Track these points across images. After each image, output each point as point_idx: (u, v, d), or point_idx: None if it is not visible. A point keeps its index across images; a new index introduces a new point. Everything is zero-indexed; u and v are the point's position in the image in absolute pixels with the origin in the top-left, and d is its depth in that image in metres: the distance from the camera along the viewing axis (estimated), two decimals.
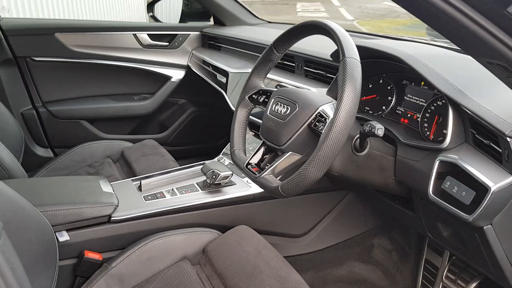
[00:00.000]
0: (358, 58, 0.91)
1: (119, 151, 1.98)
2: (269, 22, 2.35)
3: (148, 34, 2.17)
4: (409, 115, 1.19)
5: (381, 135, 0.95)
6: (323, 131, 0.94)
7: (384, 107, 1.25)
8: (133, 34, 2.14)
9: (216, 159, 1.74)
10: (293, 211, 1.60)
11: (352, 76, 0.89)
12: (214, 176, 1.45)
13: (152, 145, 2.01)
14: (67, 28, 2.02)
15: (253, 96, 1.20)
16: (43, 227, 1.17)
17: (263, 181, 1.04)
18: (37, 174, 1.85)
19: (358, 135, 1.05)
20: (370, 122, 0.97)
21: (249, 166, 1.12)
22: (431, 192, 0.98)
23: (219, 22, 2.26)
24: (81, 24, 2.12)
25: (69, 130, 2.11)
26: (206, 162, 1.65)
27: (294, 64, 1.63)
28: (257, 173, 1.07)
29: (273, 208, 1.54)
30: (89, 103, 2.14)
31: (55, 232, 1.24)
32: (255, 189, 1.47)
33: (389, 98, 1.24)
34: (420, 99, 1.16)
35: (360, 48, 0.97)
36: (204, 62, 2.09)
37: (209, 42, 2.23)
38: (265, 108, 1.13)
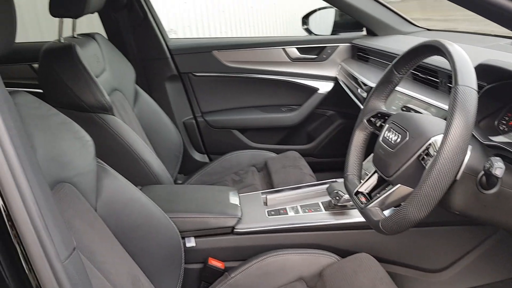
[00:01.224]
0: (475, 87, 0.78)
1: (263, 161, 2.08)
2: (428, 29, 2.16)
3: (296, 48, 2.22)
4: None
5: (499, 176, 0.80)
6: (427, 166, 0.84)
7: None
8: (282, 48, 2.21)
9: None
10: (429, 242, 1.44)
11: (464, 107, 0.77)
12: (337, 198, 1.41)
13: (294, 157, 2.04)
14: (223, 46, 2.20)
15: (372, 119, 1.13)
16: (171, 232, 1.31)
17: (367, 213, 0.98)
18: (192, 177, 2.06)
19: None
20: (492, 158, 0.82)
21: (359, 195, 1.06)
22: None
23: (370, 32, 2.17)
24: (235, 42, 2.28)
25: (222, 138, 2.29)
26: (338, 180, 1.62)
27: (438, 80, 1.47)
28: (363, 203, 1.01)
29: (403, 237, 1.42)
30: (241, 113, 2.29)
31: (183, 237, 1.37)
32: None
33: None
34: None
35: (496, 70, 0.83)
36: (349, 74, 2.03)
37: (358, 53, 2.16)
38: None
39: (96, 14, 2.02)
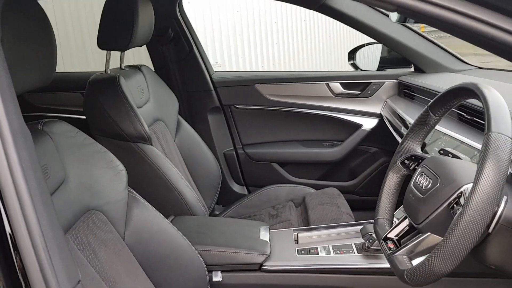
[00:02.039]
0: (510, 135, 0.73)
1: (301, 196, 2.05)
2: (480, 68, 2.07)
3: (340, 83, 2.19)
4: None
5: None
6: (455, 217, 0.78)
7: None
8: (325, 83, 2.19)
9: None
10: None
11: (496, 155, 0.72)
12: (371, 240, 1.35)
13: (332, 194, 2.00)
14: (266, 80, 2.21)
15: (406, 161, 1.08)
16: (197, 265, 1.30)
17: (394, 261, 0.92)
18: (229, 209, 2.07)
19: None
20: None
21: (387, 240, 1.01)
22: None
23: (418, 69, 2.12)
24: (277, 75, 2.29)
25: (261, 171, 2.29)
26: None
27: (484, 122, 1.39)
28: (390, 250, 0.96)
29: (435, 286, 1.32)
30: (281, 147, 2.28)
31: (210, 271, 1.36)
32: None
33: None
34: None
35: None
36: (393, 111, 1.98)
37: (404, 90, 2.10)
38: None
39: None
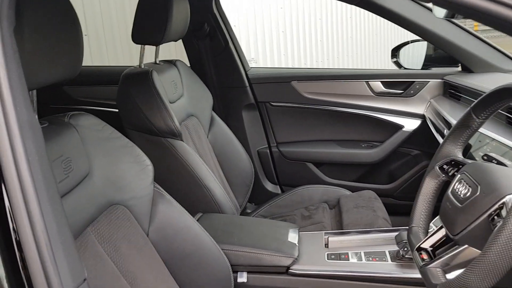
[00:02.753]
0: None
1: (336, 198, 1.98)
2: None
3: (381, 82, 2.10)
4: None
5: None
6: (494, 230, 0.71)
7: None
8: (365, 81, 2.11)
9: None
10: None
11: None
12: (406, 248, 1.28)
13: (369, 197, 1.92)
14: (303, 77, 2.15)
15: (444, 166, 1.01)
16: (222, 265, 1.27)
17: (426, 273, 0.86)
18: (262, 208, 2.03)
19: None
20: None
21: (421, 251, 0.94)
22: None
23: (466, 69, 1.99)
24: (315, 73, 2.22)
25: (295, 171, 2.23)
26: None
27: None
28: (424, 261, 0.89)
29: None
30: (317, 147, 2.21)
31: (235, 271, 1.32)
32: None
33: None
34: None
35: None
36: (437, 113, 1.87)
37: (450, 91, 1.99)
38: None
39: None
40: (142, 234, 1.14)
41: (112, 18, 3.40)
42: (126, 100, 1.54)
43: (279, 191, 2.27)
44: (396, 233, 1.43)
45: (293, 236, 1.42)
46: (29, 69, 0.78)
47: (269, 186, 2.26)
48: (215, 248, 1.26)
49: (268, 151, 2.25)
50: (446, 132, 1.67)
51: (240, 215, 2.00)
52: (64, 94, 2.26)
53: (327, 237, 1.44)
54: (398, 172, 2.21)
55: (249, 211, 2.10)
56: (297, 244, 1.38)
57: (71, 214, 0.94)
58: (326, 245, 1.42)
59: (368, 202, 1.88)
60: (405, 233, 1.32)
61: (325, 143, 2.22)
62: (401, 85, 2.11)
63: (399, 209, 2.15)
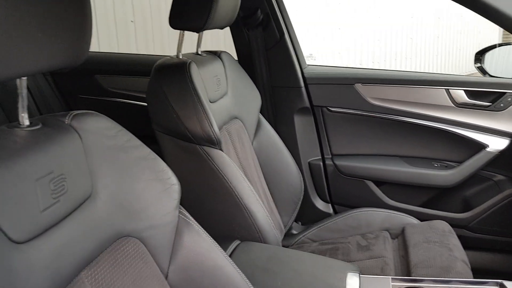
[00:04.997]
0: None
1: (400, 226, 1.67)
2: None
3: (465, 91, 1.75)
4: None
5: None
6: None
7: None
8: (445, 89, 1.76)
9: None
10: None
11: None
12: None
13: (442, 230, 1.59)
14: (369, 79, 1.83)
15: None
16: None
17: None
18: (310, 229, 1.76)
19: None
20: None
21: None
22: None
23: None
24: (384, 75, 1.89)
25: (352, 189, 1.92)
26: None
27: None
28: None
29: None
30: (379, 162, 1.88)
31: None
32: None
33: None
34: None
35: None
36: None
37: None
38: None
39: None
40: (159, 276, 0.87)
41: (160, 4, 3.20)
42: (157, 97, 1.28)
43: (331, 211, 1.96)
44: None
45: (353, 284, 1.11)
46: (13, 52, 0.59)
47: (320, 205, 1.96)
48: None
49: (321, 163, 1.94)
50: None
51: (284, 236, 1.72)
52: (95, 83, 2.05)
53: (395, 284, 1.12)
54: (475, 200, 1.85)
55: (294, 232, 1.82)
56: None
57: (58, 254, 0.68)
58: None
59: (442, 236, 1.55)
60: None
61: (390, 159, 1.89)
62: (489, 96, 1.75)
63: (474, 243, 1.81)
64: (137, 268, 0.82)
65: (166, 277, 0.88)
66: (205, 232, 0.96)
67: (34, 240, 0.64)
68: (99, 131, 0.81)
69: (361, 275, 1.19)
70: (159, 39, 3.30)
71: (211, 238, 0.96)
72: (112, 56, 2.39)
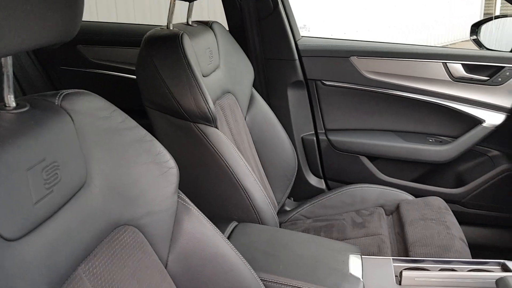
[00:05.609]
0: None
1: (395, 203, 1.65)
2: None
3: (462, 65, 1.71)
4: None
5: None
6: None
7: None
8: (442, 63, 1.72)
9: None
10: None
11: None
12: None
13: (438, 207, 1.57)
14: (365, 52, 1.77)
15: None
16: None
17: None
18: (303, 206, 1.72)
19: None
20: None
21: None
22: None
23: None
24: (380, 48, 1.83)
25: (346, 164, 1.88)
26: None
27: None
28: None
29: None
30: (374, 138, 1.85)
31: None
32: None
33: None
34: None
35: None
36: None
37: None
38: None
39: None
40: (158, 266, 0.82)
41: None
42: (147, 71, 1.20)
43: (324, 187, 1.93)
44: (488, 273, 1.09)
45: (355, 266, 1.08)
46: None
47: (313, 180, 1.92)
48: (254, 283, 0.94)
49: (314, 138, 1.89)
50: None
51: (277, 213, 1.69)
52: (77, 54, 1.93)
53: (399, 270, 1.10)
54: (469, 175, 1.84)
55: (287, 209, 1.78)
56: (361, 280, 1.04)
57: (53, 249, 0.62)
58: (399, 282, 1.08)
59: (438, 213, 1.54)
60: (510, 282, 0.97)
61: (385, 133, 1.85)
62: (487, 70, 1.72)
63: (468, 218, 1.81)
64: (136, 259, 0.77)
65: (166, 266, 0.84)
66: (205, 217, 0.91)
67: (27, 236, 0.58)
68: (92, 112, 0.74)
69: (364, 256, 1.16)
70: (140, 7, 3.15)
71: (212, 223, 0.91)
72: (95, 25, 2.26)
